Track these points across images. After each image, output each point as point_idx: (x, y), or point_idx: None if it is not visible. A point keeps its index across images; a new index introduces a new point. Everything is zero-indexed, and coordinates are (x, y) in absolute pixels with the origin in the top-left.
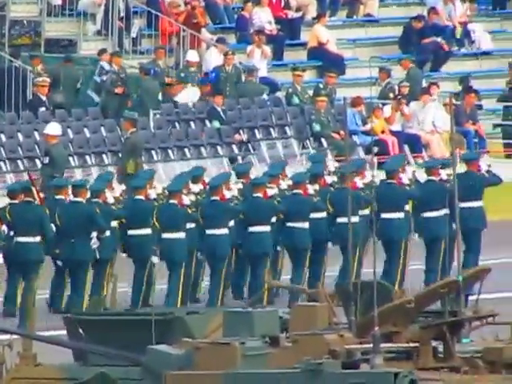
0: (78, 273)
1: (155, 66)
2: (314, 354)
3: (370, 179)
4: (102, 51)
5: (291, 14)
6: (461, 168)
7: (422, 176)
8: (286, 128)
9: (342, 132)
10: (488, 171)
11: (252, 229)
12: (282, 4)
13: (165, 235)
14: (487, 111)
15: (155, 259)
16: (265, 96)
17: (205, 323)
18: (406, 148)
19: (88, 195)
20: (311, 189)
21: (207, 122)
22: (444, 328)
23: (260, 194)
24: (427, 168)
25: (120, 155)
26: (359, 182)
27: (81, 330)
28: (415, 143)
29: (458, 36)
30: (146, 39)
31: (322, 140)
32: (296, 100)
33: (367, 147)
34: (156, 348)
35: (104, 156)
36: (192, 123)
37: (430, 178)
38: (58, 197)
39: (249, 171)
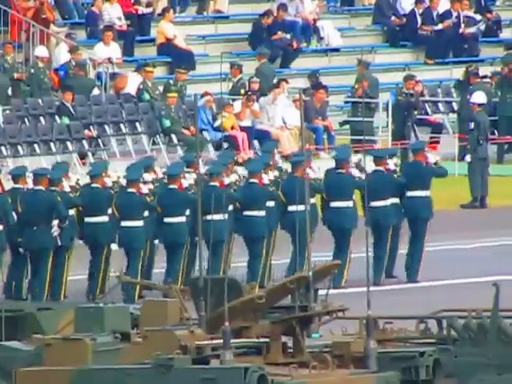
0: (40, 260)
1: (4, 61)
2: (164, 349)
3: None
4: None
5: (141, 10)
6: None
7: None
8: (137, 124)
9: (192, 128)
10: (435, 163)
11: (209, 217)
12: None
13: (123, 223)
14: (336, 107)
15: (114, 246)
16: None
17: (56, 319)
18: (256, 144)
19: None
20: (266, 178)
21: (57, 117)
22: (294, 323)
23: (217, 183)
24: (375, 158)
25: None
26: (265, 178)
27: None
28: (265, 139)
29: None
30: None
31: (173, 136)
32: (146, 96)
33: (217, 143)
34: (6, 344)
35: None
36: (42, 119)
37: (378, 167)
38: (16, 185)
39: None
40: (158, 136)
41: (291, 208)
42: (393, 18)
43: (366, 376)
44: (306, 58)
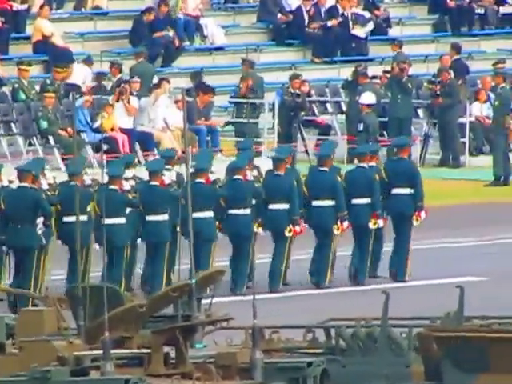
0: (24, 259)
1: None
2: (41, 360)
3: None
4: None
5: (16, 7)
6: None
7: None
8: (12, 124)
9: (69, 129)
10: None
11: (195, 215)
12: None
13: (106, 221)
14: (220, 108)
15: (96, 245)
16: None
17: None
18: (137, 146)
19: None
20: (250, 174)
21: None
22: (176, 333)
23: (202, 180)
24: (357, 154)
25: None
26: (249, 174)
27: None
28: (147, 141)
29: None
30: None
31: (50, 137)
32: (22, 96)
33: (96, 145)
34: None
35: None
36: None
37: (360, 164)
38: None
39: (174, 156)
40: (34, 137)
41: (273, 206)
42: (279, 15)
43: None
44: (188, 56)
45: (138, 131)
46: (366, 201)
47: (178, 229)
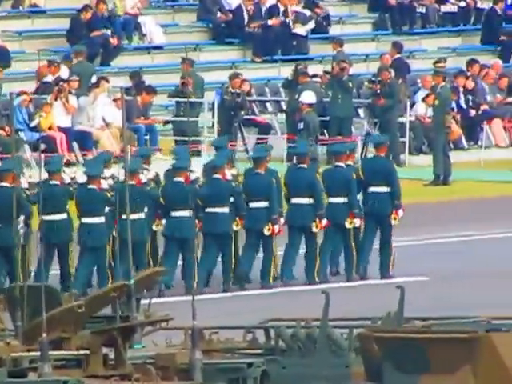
0: (5, 258)
1: None
2: None
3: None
4: None
5: None
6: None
7: None
8: None
9: (7, 128)
10: None
11: (174, 213)
12: None
13: (84, 220)
14: (160, 107)
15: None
16: None
17: None
18: (75, 145)
19: None
20: (229, 173)
21: None
22: (115, 333)
23: (181, 179)
24: (334, 153)
25: None
26: (228, 174)
27: None
28: (85, 140)
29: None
30: None
31: None
32: None
33: (34, 144)
34: None
35: None
36: None
37: (337, 163)
38: None
39: (150, 155)
40: None
41: (253, 205)
42: (218, 14)
43: None
44: (127, 55)
45: (76, 130)
46: (342, 200)
47: (154, 227)
